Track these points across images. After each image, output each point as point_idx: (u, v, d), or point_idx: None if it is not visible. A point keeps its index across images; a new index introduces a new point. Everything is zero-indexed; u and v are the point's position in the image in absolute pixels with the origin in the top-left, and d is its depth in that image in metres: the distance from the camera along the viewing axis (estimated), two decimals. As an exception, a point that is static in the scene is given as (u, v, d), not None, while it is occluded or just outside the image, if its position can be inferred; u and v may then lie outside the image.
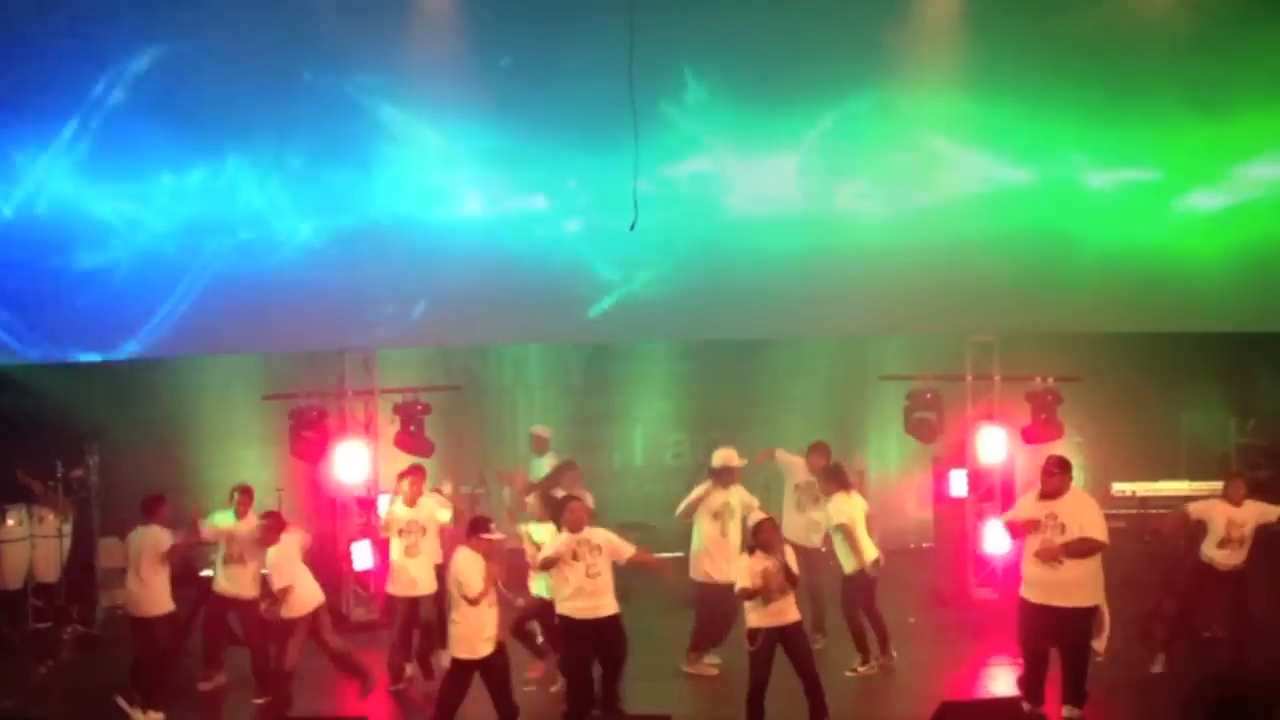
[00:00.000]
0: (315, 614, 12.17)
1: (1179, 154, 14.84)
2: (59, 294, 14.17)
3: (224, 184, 14.51)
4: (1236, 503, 12.54)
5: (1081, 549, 11.01)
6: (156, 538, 12.12)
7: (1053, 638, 11.19)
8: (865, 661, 12.83)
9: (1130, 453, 16.29)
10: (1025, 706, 10.91)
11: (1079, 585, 11.02)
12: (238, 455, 16.69)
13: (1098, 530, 11.10)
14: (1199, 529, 12.65)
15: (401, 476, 13.16)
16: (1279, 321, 14.83)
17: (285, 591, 11.97)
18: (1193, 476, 15.45)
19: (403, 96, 14.57)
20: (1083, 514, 11.16)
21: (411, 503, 12.91)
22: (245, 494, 12.97)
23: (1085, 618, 11.10)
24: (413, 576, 12.74)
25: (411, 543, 12.76)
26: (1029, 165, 14.93)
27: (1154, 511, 14.94)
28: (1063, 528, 11.06)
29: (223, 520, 12.78)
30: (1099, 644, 11.33)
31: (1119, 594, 14.08)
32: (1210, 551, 12.54)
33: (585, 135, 14.40)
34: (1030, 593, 11.25)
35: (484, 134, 14.64)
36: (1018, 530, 11.47)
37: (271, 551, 12.25)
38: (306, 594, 12.17)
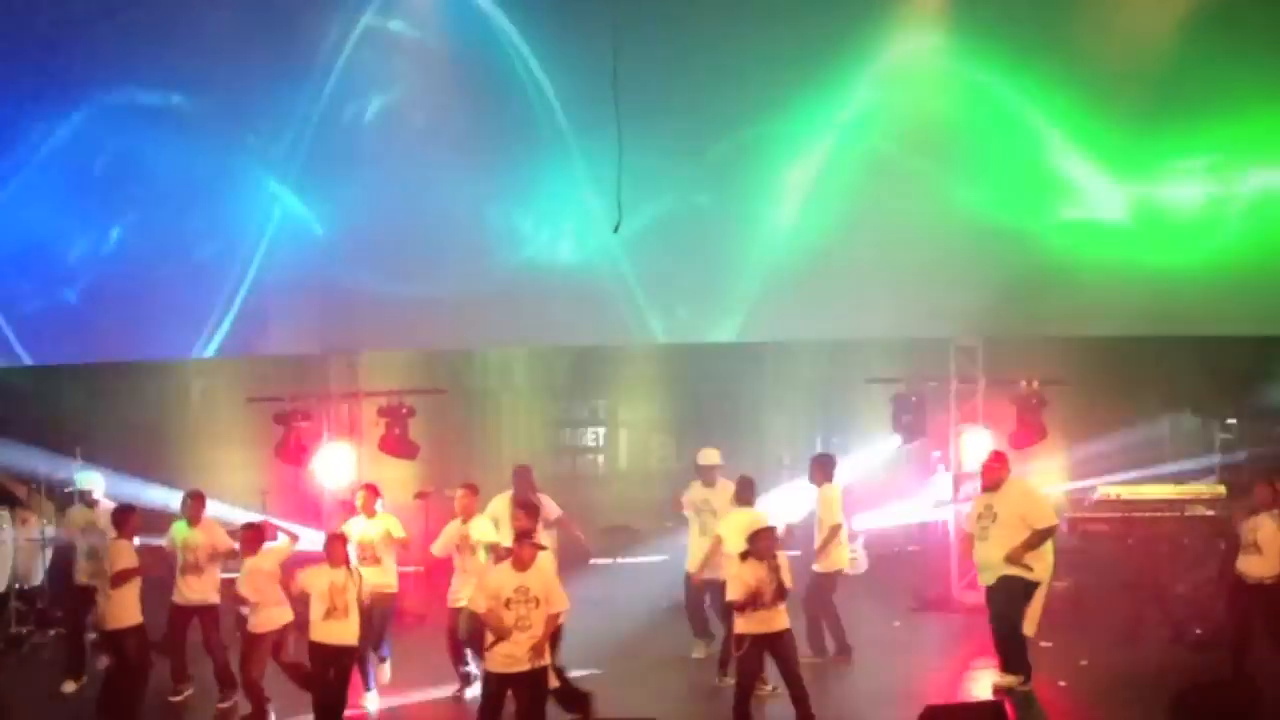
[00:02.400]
0: (282, 631, 11.93)
1: (1165, 158, 14.89)
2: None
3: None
4: None
5: (1035, 542, 11.65)
6: (121, 551, 11.82)
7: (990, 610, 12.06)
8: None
9: (1114, 456, 16.29)
10: (1005, 681, 11.79)
11: (999, 564, 11.74)
12: (222, 458, 16.65)
13: (1041, 517, 11.76)
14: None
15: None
16: (1261, 325, 14.88)
17: (254, 607, 11.78)
18: (1177, 480, 15.45)
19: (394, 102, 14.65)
20: (1018, 505, 11.82)
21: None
22: (197, 500, 12.63)
23: (1003, 584, 11.75)
24: None
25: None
26: (1013, 171, 14.96)
27: (1138, 515, 14.93)
28: (995, 517, 11.82)
29: (177, 531, 12.49)
30: (1029, 624, 11.84)
31: (1103, 598, 14.20)
32: None
33: (568, 138, 14.43)
34: (978, 578, 12.36)
35: (466, 137, 14.64)
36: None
37: (248, 562, 11.85)
38: (276, 613, 11.84)
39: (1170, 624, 13.57)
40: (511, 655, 10.07)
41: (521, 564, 10.22)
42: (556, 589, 10.35)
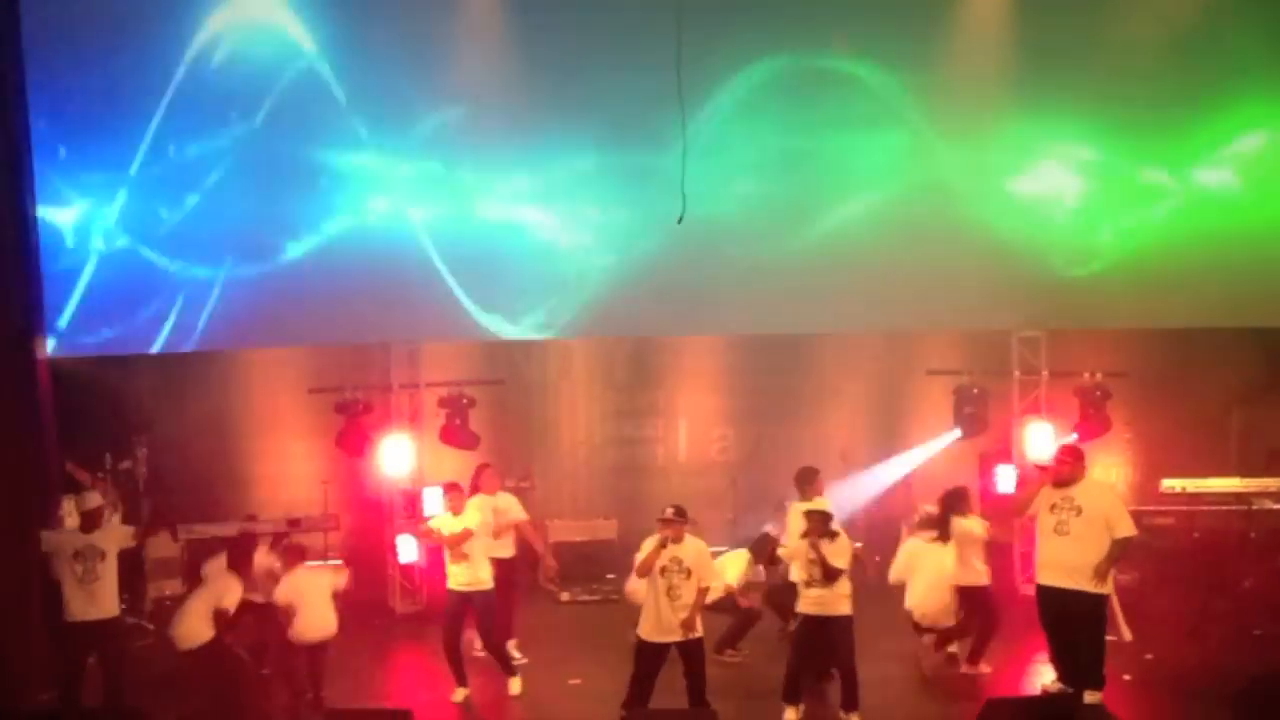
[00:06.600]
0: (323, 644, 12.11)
1: (1225, 145, 14.71)
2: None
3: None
4: None
5: (1117, 554, 10.98)
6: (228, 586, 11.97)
7: (1065, 620, 11.18)
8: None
9: (1179, 449, 16.11)
10: (1056, 686, 11.32)
11: (1089, 570, 10.94)
12: (283, 448, 16.77)
13: (1125, 525, 11.03)
14: None
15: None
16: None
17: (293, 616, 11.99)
18: (1243, 473, 15.27)
19: (451, 97, 14.68)
20: (1104, 503, 11.12)
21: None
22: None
23: (1094, 602, 11.02)
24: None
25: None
26: (1077, 162, 14.83)
27: (1203, 508, 14.78)
28: (1079, 510, 11.00)
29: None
30: (1124, 631, 11.45)
31: (1168, 592, 14.06)
32: None
33: (630, 129, 14.44)
34: (1042, 576, 11.32)
35: (524, 133, 14.66)
36: (1017, 505, 11.69)
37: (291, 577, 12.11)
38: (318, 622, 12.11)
39: (1236, 619, 13.44)
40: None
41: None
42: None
